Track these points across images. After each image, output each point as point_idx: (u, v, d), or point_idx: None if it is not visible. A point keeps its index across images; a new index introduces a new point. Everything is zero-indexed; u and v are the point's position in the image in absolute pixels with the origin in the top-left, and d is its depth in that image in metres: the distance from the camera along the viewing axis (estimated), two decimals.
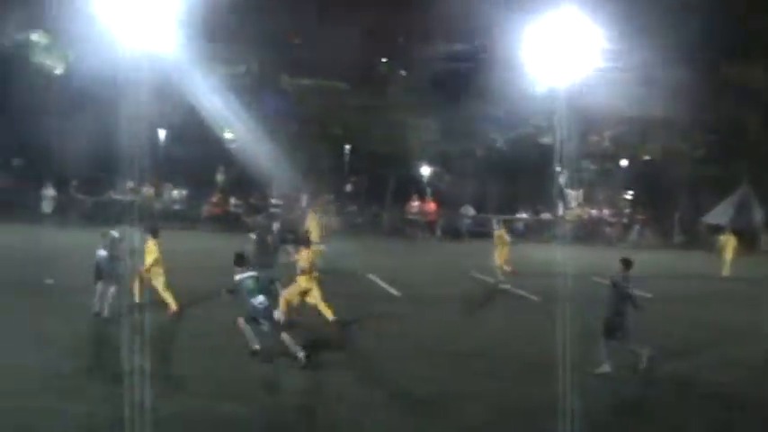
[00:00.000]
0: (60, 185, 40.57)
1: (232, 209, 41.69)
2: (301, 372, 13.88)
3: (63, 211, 39.60)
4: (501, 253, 26.39)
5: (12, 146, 44.61)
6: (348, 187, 52.29)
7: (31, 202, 39.74)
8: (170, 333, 16.49)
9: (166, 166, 43.05)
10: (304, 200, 41.96)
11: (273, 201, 42.69)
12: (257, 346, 14.54)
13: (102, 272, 17.23)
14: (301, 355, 14.20)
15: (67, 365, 13.57)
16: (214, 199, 40.99)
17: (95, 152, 38.73)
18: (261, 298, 14.52)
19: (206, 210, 40.93)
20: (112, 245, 17.51)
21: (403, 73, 51.84)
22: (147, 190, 39.38)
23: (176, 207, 42.17)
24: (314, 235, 23.28)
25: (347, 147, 50.41)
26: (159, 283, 18.34)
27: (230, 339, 14.95)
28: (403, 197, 46.82)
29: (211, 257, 23.77)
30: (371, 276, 25.72)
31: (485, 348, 16.71)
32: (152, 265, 18.15)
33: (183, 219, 40.24)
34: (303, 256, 17.98)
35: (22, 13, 39.29)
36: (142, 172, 35.53)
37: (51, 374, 12.94)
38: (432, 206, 45.39)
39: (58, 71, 42.35)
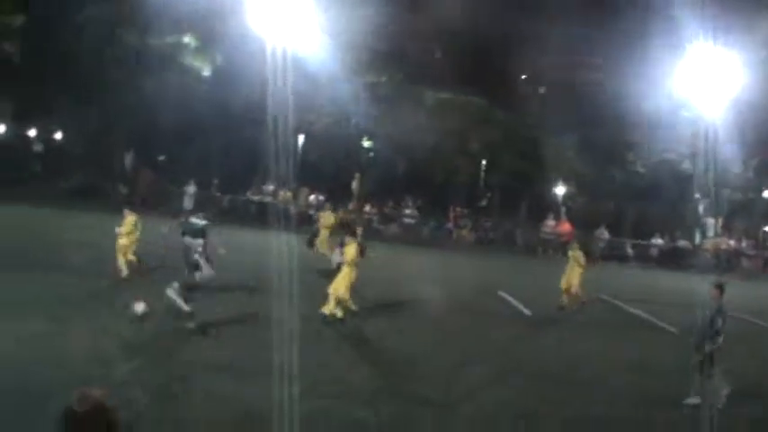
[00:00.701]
0: (201, 183, 41.77)
1: (366, 216, 42.14)
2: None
3: (202, 207, 40.72)
4: (571, 275, 23.94)
5: (158, 143, 46.26)
6: (482, 202, 52.20)
7: (174, 198, 41.11)
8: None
9: (304, 171, 43.74)
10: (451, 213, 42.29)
11: (408, 211, 42.91)
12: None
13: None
14: (187, 308, 15.79)
15: None
16: (351, 206, 41.43)
17: (237, 153, 39.74)
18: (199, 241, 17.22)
19: (341, 215, 41.38)
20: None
21: (542, 91, 51.59)
22: (284, 193, 40.07)
23: (311, 212, 42.77)
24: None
25: (483, 162, 50.34)
26: (129, 249, 20.86)
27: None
28: (536, 215, 46.49)
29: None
30: (502, 293, 25.54)
31: (604, 377, 16.22)
32: (128, 234, 20.74)
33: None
34: (348, 250, 18.58)
35: (174, 16, 40.54)
36: (280, 175, 36.27)
37: None
38: (566, 226, 44.77)
39: (206, 73, 43.55)
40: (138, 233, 20.92)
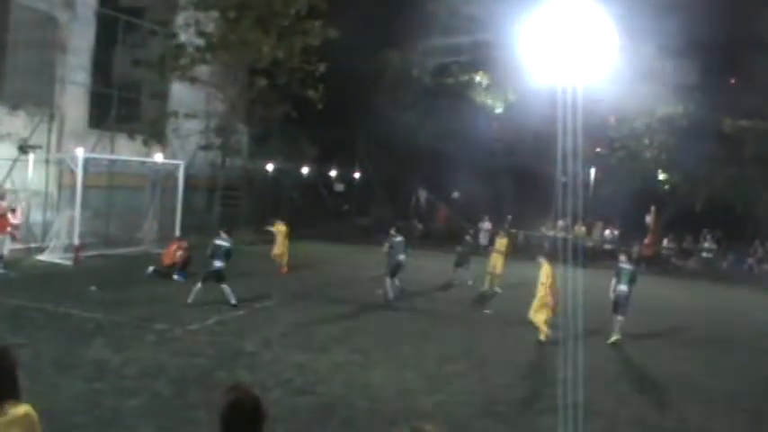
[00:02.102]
0: (495, 219, 42.31)
1: (663, 251, 41.04)
2: None
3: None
4: None
5: (451, 180, 47.36)
6: None
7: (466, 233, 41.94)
8: None
9: (597, 205, 43.27)
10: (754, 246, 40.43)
11: (706, 245, 41.41)
12: (234, 302, 19.75)
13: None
14: (234, 302, 19.65)
15: None
16: (647, 240, 40.46)
17: (529, 188, 39.96)
18: (218, 263, 19.50)
19: (637, 250, 40.47)
20: None
21: None
22: (578, 228, 39.80)
23: (606, 246, 42.15)
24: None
25: None
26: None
27: None
28: None
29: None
30: None
31: None
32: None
33: (613, 258, 40.15)
34: (543, 272, 19.16)
35: (467, 56, 41.58)
36: (573, 210, 36.10)
37: None
38: None
39: (498, 110, 44.15)
40: None
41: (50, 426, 5.49)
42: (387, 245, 24.18)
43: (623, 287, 19.58)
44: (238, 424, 4.56)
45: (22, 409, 4.79)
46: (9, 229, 23.96)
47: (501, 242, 28.33)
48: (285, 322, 18.91)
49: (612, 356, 18.03)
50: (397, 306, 22.57)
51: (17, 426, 4.72)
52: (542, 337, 18.72)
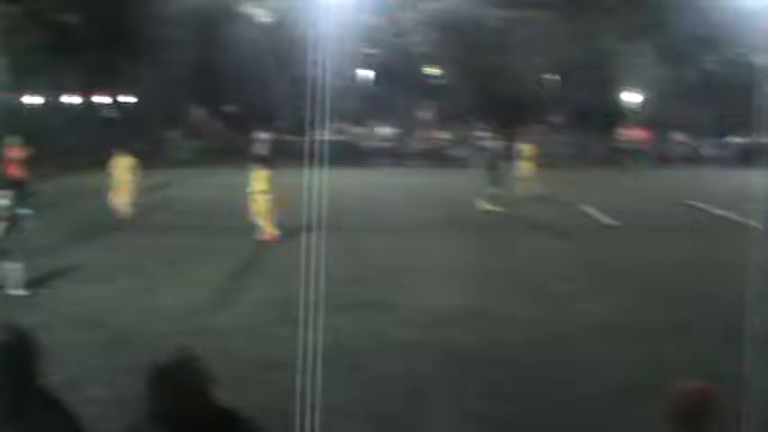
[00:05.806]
0: (269, 129, 42.26)
1: (437, 143, 41.92)
2: None
3: (276, 153, 41.33)
4: None
5: (224, 93, 46.76)
6: (557, 119, 50.90)
7: (244, 146, 41.75)
8: None
9: (370, 105, 43.76)
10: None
11: (480, 134, 42.56)
12: None
13: None
14: None
15: None
16: (421, 135, 41.20)
17: (304, 95, 39.99)
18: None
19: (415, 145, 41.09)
20: None
21: None
22: (356, 129, 40.15)
23: (385, 145, 42.68)
24: None
25: (554, 77, 49.41)
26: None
27: None
28: (611, 125, 45.61)
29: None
30: (586, 207, 25.31)
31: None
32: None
33: (392, 156, 40.72)
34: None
35: None
36: (348, 111, 36.40)
37: None
38: (642, 133, 43.98)
39: (268, 20, 43.72)
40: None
41: None
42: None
43: None
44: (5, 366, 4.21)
45: None
46: None
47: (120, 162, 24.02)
48: (65, 257, 17.92)
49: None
50: (177, 225, 22.15)
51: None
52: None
